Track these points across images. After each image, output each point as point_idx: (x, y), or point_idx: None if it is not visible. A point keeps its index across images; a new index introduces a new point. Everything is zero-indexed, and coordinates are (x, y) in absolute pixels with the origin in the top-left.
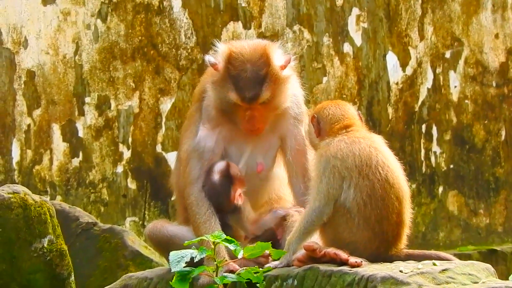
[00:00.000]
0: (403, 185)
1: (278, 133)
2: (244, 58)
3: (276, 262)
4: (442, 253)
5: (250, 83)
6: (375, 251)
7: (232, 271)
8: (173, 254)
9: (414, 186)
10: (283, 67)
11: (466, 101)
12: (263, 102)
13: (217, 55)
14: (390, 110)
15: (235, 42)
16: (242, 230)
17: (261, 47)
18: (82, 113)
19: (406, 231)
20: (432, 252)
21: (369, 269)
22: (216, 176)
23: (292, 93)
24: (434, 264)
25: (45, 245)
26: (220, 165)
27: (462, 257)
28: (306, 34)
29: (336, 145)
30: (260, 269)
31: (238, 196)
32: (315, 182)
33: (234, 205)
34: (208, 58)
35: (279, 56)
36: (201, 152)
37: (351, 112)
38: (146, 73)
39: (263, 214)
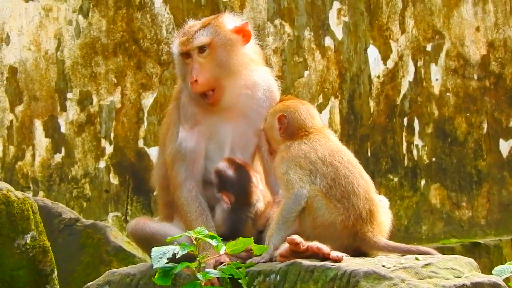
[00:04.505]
0: (364, 172)
1: (254, 130)
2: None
3: (258, 258)
4: (422, 247)
5: (189, 29)
6: (352, 229)
7: (222, 263)
8: (155, 250)
9: (396, 179)
10: (238, 30)
11: (448, 94)
12: (201, 49)
13: None
14: (371, 104)
15: None
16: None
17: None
18: (64, 108)
19: (379, 214)
20: (412, 246)
21: (351, 264)
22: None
23: (267, 87)
24: (417, 259)
25: (28, 241)
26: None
27: (444, 250)
28: (287, 28)
29: (297, 147)
30: (242, 264)
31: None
32: (283, 179)
33: (254, 201)
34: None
35: (232, 19)
36: (184, 154)
37: (317, 118)
38: (127, 68)
39: (268, 207)
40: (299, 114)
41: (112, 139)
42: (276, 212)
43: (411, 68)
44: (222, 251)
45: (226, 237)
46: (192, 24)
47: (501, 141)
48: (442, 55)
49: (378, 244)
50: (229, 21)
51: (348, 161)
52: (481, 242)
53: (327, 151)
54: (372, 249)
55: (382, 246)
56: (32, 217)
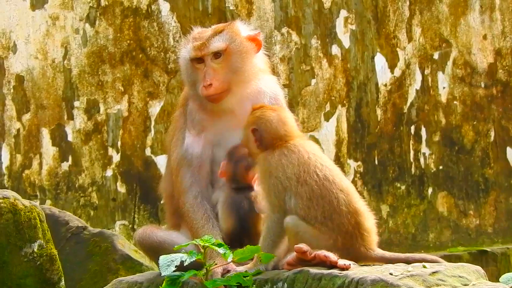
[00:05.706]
0: (344, 180)
1: None
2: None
3: (249, 266)
4: (427, 255)
5: (203, 34)
6: (343, 248)
7: (229, 271)
8: (163, 258)
9: (403, 187)
10: (251, 38)
11: (455, 102)
12: (216, 55)
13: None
14: (379, 112)
15: None
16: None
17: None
18: (71, 117)
19: (366, 221)
20: (412, 254)
21: (359, 272)
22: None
23: (274, 95)
24: (424, 267)
25: (35, 249)
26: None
27: (452, 258)
28: (295, 37)
29: (276, 159)
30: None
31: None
32: (267, 194)
33: (249, 184)
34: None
35: (245, 28)
36: (190, 159)
37: (292, 124)
38: (134, 77)
39: None
40: (270, 123)
41: (119, 147)
42: (264, 233)
43: (418, 76)
44: (229, 259)
45: (230, 234)
46: (203, 30)
47: (508, 149)
48: (449, 63)
49: (372, 257)
50: (243, 29)
51: (324, 177)
52: (488, 250)
53: (303, 166)
54: (367, 261)
55: (378, 258)
56: (39, 225)
